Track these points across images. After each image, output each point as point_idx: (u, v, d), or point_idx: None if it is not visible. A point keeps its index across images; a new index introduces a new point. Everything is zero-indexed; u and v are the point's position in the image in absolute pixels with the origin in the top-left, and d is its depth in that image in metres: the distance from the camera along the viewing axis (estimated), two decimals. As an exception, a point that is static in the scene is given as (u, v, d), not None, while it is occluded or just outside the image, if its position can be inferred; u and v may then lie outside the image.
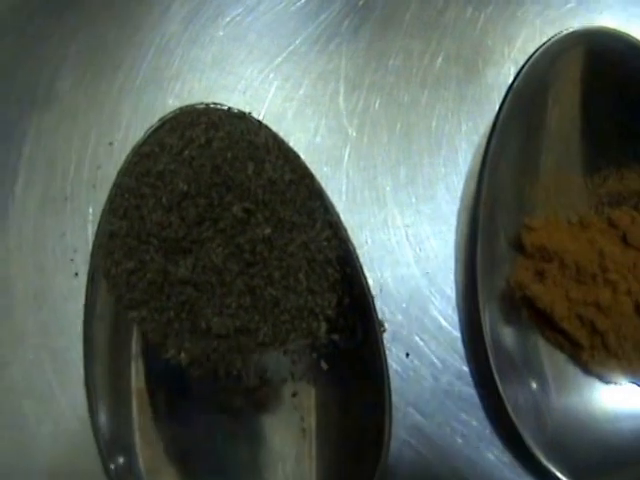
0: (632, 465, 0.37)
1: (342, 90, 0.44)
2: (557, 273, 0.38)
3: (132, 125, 0.43)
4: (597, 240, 0.38)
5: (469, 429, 0.39)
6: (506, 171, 0.39)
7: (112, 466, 0.36)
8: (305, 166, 0.39)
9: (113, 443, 0.37)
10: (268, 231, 0.36)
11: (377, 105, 0.44)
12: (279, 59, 0.45)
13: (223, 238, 0.36)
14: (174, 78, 0.44)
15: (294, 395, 0.38)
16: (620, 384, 0.38)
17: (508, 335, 0.38)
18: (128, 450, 0.37)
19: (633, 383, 0.38)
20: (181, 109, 0.39)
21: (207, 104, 0.39)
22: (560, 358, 0.39)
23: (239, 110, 0.39)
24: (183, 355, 0.36)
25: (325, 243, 0.38)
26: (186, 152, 0.37)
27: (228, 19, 0.46)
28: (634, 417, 0.38)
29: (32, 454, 0.39)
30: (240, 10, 0.46)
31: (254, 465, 0.38)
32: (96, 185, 0.42)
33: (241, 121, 0.39)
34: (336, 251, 0.38)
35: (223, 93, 0.43)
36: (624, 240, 0.38)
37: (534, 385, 0.38)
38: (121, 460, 0.36)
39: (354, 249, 0.38)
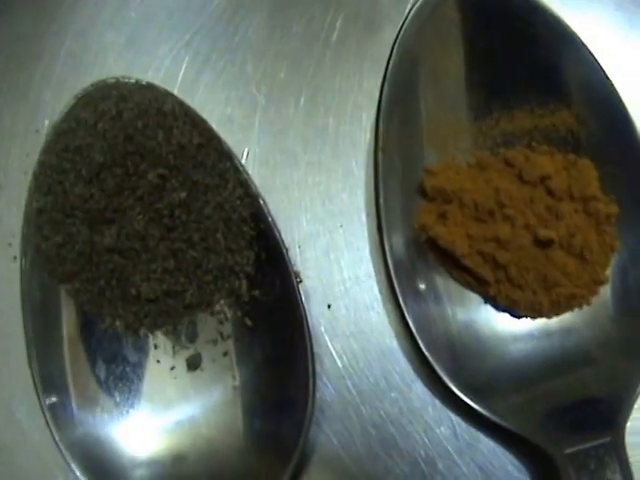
0: (539, 384, 0.39)
1: (249, 60, 0.46)
2: (457, 213, 0.39)
3: (56, 111, 0.43)
4: (494, 179, 0.40)
5: (392, 371, 0.40)
6: (402, 120, 0.41)
7: (47, 402, 0.38)
8: (211, 129, 0.41)
9: (48, 385, 0.38)
10: (184, 195, 0.38)
11: (284, 71, 0.45)
12: (188, 35, 0.46)
13: (142, 205, 0.38)
14: (92, 62, 0.46)
15: (225, 354, 0.39)
16: (528, 317, 0.40)
17: (417, 278, 0.40)
18: (61, 391, 0.38)
19: (540, 317, 0.40)
20: (93, 85, 0.41)
21: (117, 78, 0.41)
22: (468, 295, 0.40)
23: (147, 81, 0.41)
24: (118, 323, 0.39)
25: (238, 202, 0.39)
26: (100, 125, 0.39)
27: (138, 1, 0.47)
28: (541, 338, 0.40)
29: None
30: (149, -11, 0.47)
31: (190, 419, 0.39)
32: (27, 172, 0.42)
33: (148, 91, 0.41)
34: (249, 209, 0.40)
35: (139, 72, 0.44)
36: (520, 177, 0.40)
37: (444, 320, 0.39)
38: (54, 399, 0.38)
39: (266, 204, 0.40)
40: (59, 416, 0.38)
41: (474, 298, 0.40)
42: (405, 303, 0.38)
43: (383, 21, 0.46)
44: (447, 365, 0.38)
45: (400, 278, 0.39)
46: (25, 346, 0.39)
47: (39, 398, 0.38)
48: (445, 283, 0.40)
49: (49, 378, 0.39)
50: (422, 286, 0.40)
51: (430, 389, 0.40)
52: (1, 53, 0.47)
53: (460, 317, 0.39)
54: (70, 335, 0.39)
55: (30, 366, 0.38)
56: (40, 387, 0.38)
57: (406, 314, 0.38)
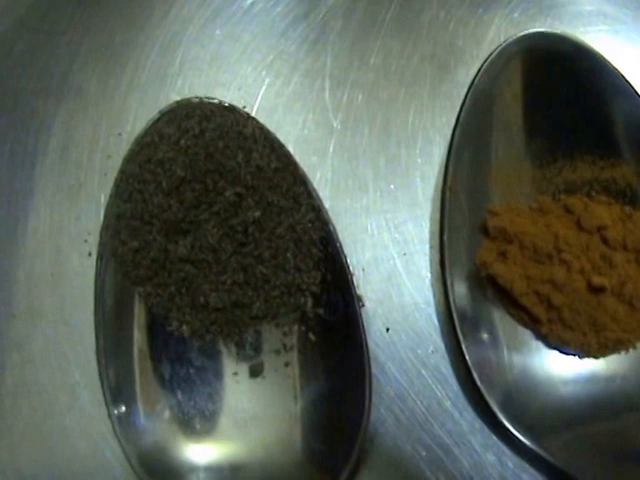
0: (585, 425, 0.40)
1: (327, 87, 0.48)
2: (517, 254, 0.41)
3: (138, 118, 0.46)
4: (554, 224, 0.42)
5: (444, 397, 0.42)
6: (470, 162, 0.43)
7: (115, 412, 0.39)
8: (289, 154, 0.42)
9: (117, 395, 0.39)
10: (258, 214, 0.40)
11: (359, 101, 0.47)
12: (270, 58, 0.48)
13: (218, 220, 0.40)
14: (176, 75, 0.48)
15: (286, 365, 0.41)
16: (576, 356, 0.41)
17: (475, 311, 0.41)
18: (130, 401, 0.39)
19: (588, 357, 0.41)
20: (177, 102, 0.43)
21: (200, 98, 0.43)
22: (522, 331, 0.42)
23: (229, 103, 0.43)
24: (185, 328, 0.40)
25: (309, 225, 0.41)
26: (182, 141, 0.41)
27: (225, 20, 0.49)
28: (588, 381, 0.41)
29: (49, 419, 0.41)
30: (236, 12, 0.50)
31: (248, 426, 0.40)
32: (107, 173, 0.45)
33: (231, 113, 0.43)
34: (319, 232, 0.41)
35: (220, 89, 0.47)
36: (578, 224, 0.42)
37: (498, 355, 0.41)
38: (123, 408, 0.39)
39: (335, 230, 0.41)
40: (126, 422, 0.39)
41: (529, 337, 0.42)
42: (463, 335, 0.40)
43: (457, 63, 0.48)
44: (499, 398, 0.39)
45: (459, 310, 0.40)
46: (95, 351, 0.40)
47: (107, 404, 0.39)
48: (502, 319, 0.42)
49: (118, 386, 0.40)
50: (480, 320, 0.41)
51: (479, 417, 0.41)
52: (92, 58, 0.49)
53: (515, 354, 0.41)
54: (140, 340, 0.41)
55: (100, 373, 0.40)
56: (110, 398, 0.39)
57: (463, 346, 0.40)
